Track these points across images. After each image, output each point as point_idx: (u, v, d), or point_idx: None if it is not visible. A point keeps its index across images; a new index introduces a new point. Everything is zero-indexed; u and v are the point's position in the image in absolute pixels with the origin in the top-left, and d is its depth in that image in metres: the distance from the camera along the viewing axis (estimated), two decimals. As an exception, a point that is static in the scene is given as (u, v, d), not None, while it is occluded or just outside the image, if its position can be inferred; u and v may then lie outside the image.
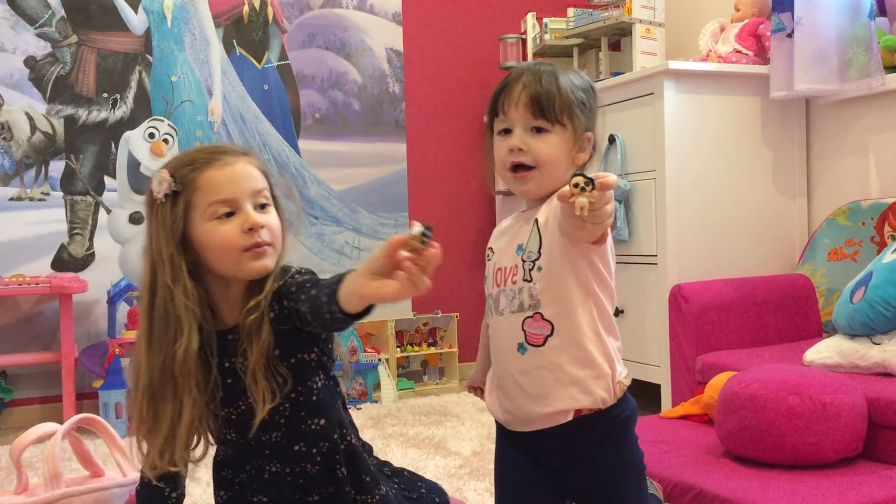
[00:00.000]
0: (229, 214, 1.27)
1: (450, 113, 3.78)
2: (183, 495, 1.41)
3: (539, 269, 1.26)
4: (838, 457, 1.77)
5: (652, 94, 2.70)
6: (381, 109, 3.66)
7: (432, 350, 3.54)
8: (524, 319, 1.28)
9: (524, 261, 1.28)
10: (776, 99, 2.74)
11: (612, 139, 2.83)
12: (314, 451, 1.34)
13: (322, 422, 1.34)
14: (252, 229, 1.26)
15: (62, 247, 3.18)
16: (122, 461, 1.71)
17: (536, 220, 1.28)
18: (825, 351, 2.06)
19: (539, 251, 1.27)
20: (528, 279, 1.28)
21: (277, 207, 1.34)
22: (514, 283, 1.30)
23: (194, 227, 1.27)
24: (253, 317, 1.26)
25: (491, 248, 1.37)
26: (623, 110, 2.84)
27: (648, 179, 2.71)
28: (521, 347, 1.29)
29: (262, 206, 1.30)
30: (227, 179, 1.27)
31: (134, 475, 1.69)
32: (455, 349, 3.54)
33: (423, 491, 1.43)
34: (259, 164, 1.34)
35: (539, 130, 1.28)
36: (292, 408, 1.31)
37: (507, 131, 1.30)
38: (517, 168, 1.29)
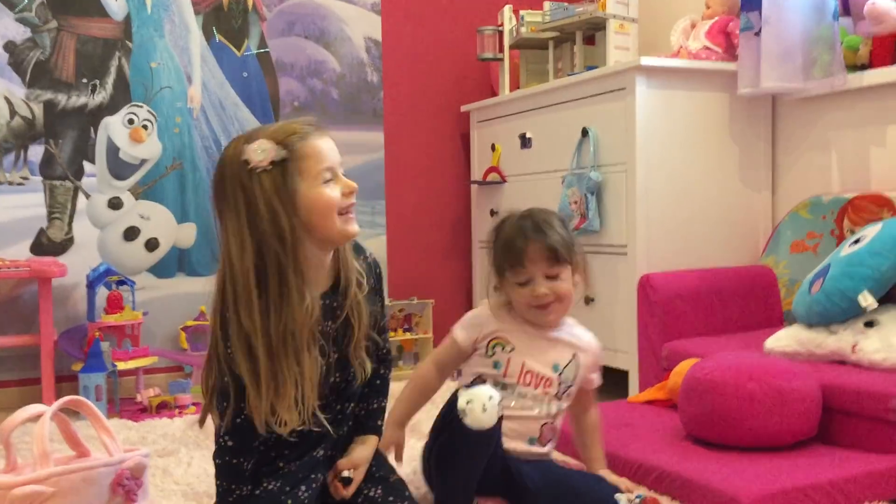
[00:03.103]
0: (328, 181, 1.42)
1: (427, 102, 3.83)
2: None
3: (569, 395, 1.71)
4: (794, 439, 1.86)
5: (624, 88, 2.77)
6: (360, 98, 3.70)
7: (408, 336, 3.60)
8: (544, 424, 1.68)
9: (560, 382, 1.68)
10: (744, 95, 2.82)
11: (584, 132, 2.90)
12: (347, 410, 1.52)
13: (356, 382, 1.52)
14: (351, 192, 1.45)
15: (41, 231, 3.19)
16: (108, 441, 1.75)
17: (577, 357, 1.71)
18: (784, 339, 2.15)
19: (573, 381, 1.71)
20: (560, 398, 1.70)
21: None
22: (545, 392, 1.67)
23: (303, 191, 1.39)
24: (365, 291, 1.47)
25: (506, 340, 1.67)
26: (596, 104, 2.91)
27: (619, 172, 2.79)
28: (531, 441, 1.68)
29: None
30: (327, 148, 1.43)
31: (120, 455, 1.73)
32: (430, 335, 3.60)
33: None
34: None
35: (553, 275, 1.64)
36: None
37: (526, 282, 1.64)
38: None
